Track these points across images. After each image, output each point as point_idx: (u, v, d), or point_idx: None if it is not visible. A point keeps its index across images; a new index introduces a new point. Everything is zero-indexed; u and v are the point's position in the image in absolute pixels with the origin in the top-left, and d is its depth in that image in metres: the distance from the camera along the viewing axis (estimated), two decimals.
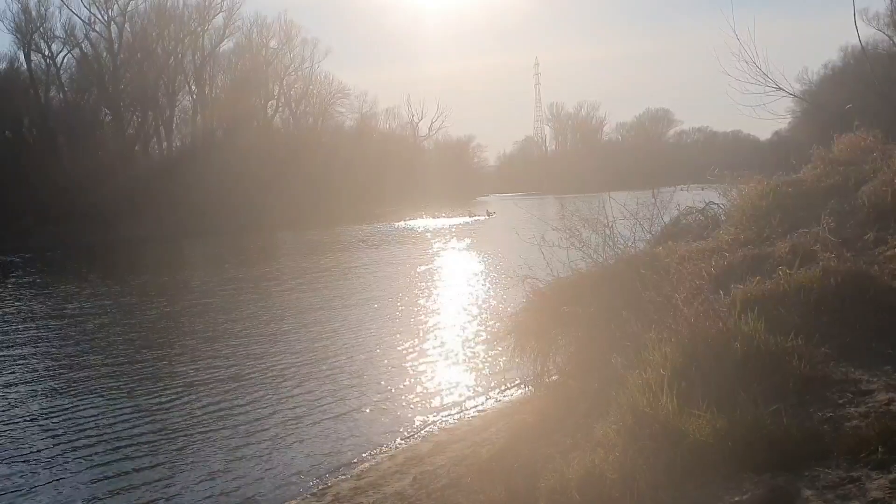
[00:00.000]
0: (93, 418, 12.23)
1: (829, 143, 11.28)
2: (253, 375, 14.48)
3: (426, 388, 13.39)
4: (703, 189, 12.57)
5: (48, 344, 18.67)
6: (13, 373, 15.61)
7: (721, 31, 10.46)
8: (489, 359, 13.89)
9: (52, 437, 11.40)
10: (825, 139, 11.55)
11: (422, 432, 11.12)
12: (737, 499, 4.27)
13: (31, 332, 20.18)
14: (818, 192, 9.55)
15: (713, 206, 11.76)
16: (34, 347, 18.17)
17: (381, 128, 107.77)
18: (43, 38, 73.62)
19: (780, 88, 10.31)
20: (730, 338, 5.87)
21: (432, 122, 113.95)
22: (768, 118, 11.39)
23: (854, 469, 4.24)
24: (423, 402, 12.60)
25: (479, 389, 13.04)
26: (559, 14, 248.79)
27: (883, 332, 6.04)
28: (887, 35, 73.93)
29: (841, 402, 5.14)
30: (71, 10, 76.83)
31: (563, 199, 13.38)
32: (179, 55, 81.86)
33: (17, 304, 25.86)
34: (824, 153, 10.93)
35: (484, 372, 13.90)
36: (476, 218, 67.59)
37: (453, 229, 57.93)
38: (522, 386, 11.59)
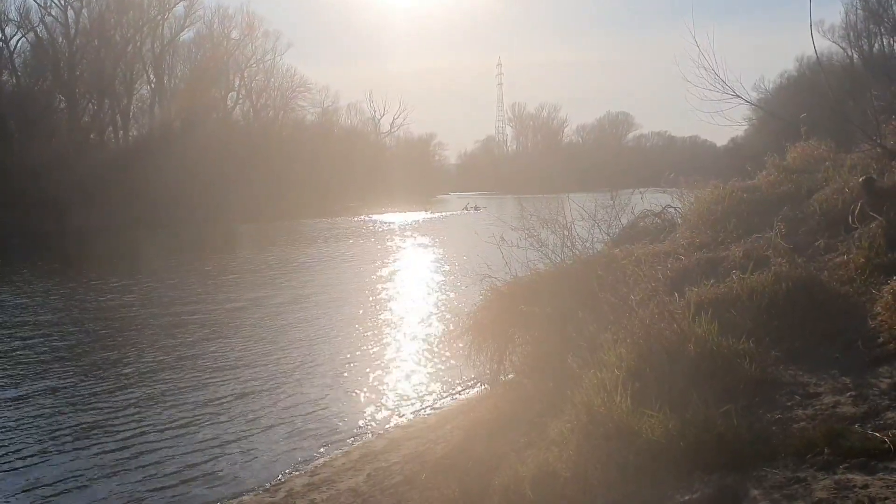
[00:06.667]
0: (39, 413, 11.94)
1: (783, 151, 11.52)
2: (203, 371, 14.26)
3: (382, 386, 13.34)
4: (663, 192, 12.73)
5: None
6: None
7: (682, 38, 10.57)
8: (446, 357, 13.86)
9: None
10: (780, 147, 11.80)
11: (377, 429, 11.07)
12: (687, 497, 4.33)
13: None
14: (772, 199, 9.74)
15: (670, 209, 11.93)
16: None
17: (343, 123, 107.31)
18: None
19: (738, 96, 10.45)
20: (683, 339, 5.96)
21: (394, 119, 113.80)
22: (725, 125, 11.61)
23: (800, 469, 4.32)
24: (379, 400, 12.55)
25: (436, 387, 13.04)
26: (523, 16, 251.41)
27: (831, 336, 6.18)
28: (841, 47, 76.12)
29: (789, 404, 5.24)
30: None
31: (522, 200, 13.39)
32: (138, 43, 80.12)
33: None
34: (779, 161, 11.17)
35: (440, 370, 13.89)
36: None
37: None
38: (479, 384, 11.64)
